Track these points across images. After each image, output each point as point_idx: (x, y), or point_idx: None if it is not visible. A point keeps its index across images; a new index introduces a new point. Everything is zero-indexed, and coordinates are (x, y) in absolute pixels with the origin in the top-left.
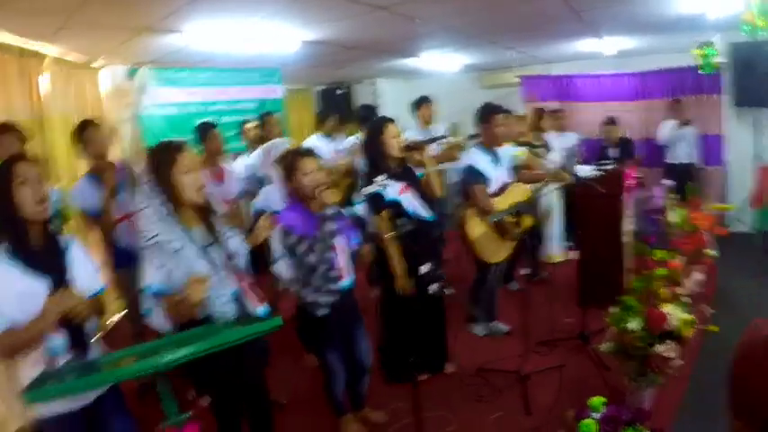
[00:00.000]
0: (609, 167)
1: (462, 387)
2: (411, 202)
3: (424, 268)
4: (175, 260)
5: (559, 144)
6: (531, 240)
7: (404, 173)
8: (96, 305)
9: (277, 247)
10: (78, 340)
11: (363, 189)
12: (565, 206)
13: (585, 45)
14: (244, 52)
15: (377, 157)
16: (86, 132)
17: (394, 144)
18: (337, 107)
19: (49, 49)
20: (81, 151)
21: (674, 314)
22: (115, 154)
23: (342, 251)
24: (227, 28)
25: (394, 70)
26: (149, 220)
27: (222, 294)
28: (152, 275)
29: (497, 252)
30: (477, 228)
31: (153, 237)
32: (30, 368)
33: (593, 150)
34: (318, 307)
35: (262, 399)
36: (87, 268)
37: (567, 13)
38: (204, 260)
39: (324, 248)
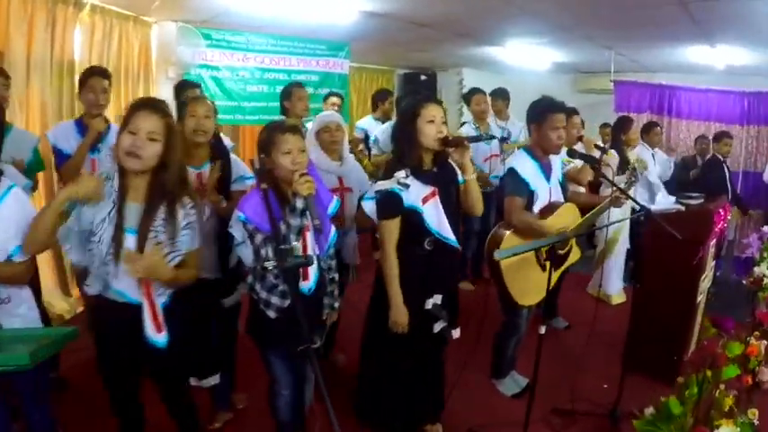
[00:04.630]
0: (694, 202)
1: None
2: (436, 215)
3: (431, 302)
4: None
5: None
6: None
7: (439, 174)
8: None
9: (237, 233)
10: None
11: (377, 183)
12: (631, 237)
13: (696, 53)
14: (302, 21)
15: (405, 147)
16: (90, 80)
17: (430, 132)
18: (419, 93)
19: None
20: (80, 97)
21: None
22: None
23: (311, 249)
24: None
25: (480, 60)
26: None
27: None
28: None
29: (531, 291)
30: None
31: None
32: None
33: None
34: (269, 307)
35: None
36: (9, 226)
37: (674, 9)
38: (112, 242)
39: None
